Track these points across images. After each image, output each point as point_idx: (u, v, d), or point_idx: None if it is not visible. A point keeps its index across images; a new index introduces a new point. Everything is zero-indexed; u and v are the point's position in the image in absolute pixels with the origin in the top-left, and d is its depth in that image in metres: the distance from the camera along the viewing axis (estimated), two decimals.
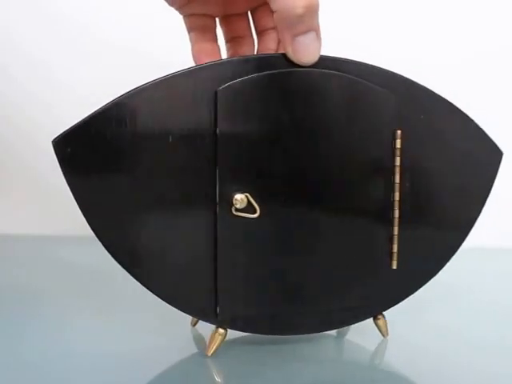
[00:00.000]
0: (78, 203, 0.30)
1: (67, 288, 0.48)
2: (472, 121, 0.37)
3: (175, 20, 0.39)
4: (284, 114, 0.32)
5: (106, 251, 0.31)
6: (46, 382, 0.31)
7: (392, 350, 0.37)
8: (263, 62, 0.32)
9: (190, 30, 0.38)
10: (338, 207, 0.34)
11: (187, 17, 0.38)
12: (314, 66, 0.33)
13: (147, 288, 0.32)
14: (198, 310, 0.32)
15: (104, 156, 0.30)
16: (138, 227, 0.31)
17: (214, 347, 0.33)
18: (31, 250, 0.63)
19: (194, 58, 0.38)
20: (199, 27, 0.38)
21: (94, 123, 0.30)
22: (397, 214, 0.35)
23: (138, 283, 0.32)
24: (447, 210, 0.37)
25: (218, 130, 0.31)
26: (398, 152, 0.35)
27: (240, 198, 0.32)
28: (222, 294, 0.32)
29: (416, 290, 0.37)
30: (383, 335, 0.37)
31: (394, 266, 0.36)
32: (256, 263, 0.33)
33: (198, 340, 0.37)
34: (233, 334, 0.35)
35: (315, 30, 0.32)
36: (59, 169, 0.30)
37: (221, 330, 0.33)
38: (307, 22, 0.31)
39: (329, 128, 0.33)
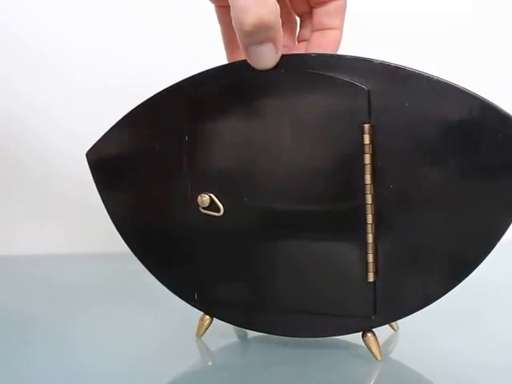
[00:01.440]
0: (105, 205, 0.39)
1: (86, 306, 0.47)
2: (473, 96, 0.29)
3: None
4: (246, 117, 0.34)
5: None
6: None
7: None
8: (230, 68, 0.34)
9: (219, 21, 0.41)
10: (307, 210, 0.33)
11: (217, 8, 0.40)
12: (277, 66, 0.33)
13: (153, 274, 0.38)
14: (185, 294, 0.37)
15: (123, 163, 0.38)
16: (147, 223, 0.38)
17: (201, 331, 0.37)
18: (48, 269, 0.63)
19: None
20: (228, 23, 0.41)
21: (114, 134, 0.38)
22: (370, 219, 0.31)
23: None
24: (455, 213, 0.30)
25: (186, 137, 0.35)
26: (367, 149, 0.31)
27: (204, 198, 0.35)
28: (198, 282, 0.36)
29: (413, 311, 0.31)
30: (375, 357, 0.32)
31: (371, 279, 0.31)
32: (225, 258, 0.35)
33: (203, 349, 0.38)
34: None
35: (271, 41, 0.32)
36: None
37: (206, 316, 0.37)
38: (259, 36, 0.31)
39: (292, 128, 0.33)
